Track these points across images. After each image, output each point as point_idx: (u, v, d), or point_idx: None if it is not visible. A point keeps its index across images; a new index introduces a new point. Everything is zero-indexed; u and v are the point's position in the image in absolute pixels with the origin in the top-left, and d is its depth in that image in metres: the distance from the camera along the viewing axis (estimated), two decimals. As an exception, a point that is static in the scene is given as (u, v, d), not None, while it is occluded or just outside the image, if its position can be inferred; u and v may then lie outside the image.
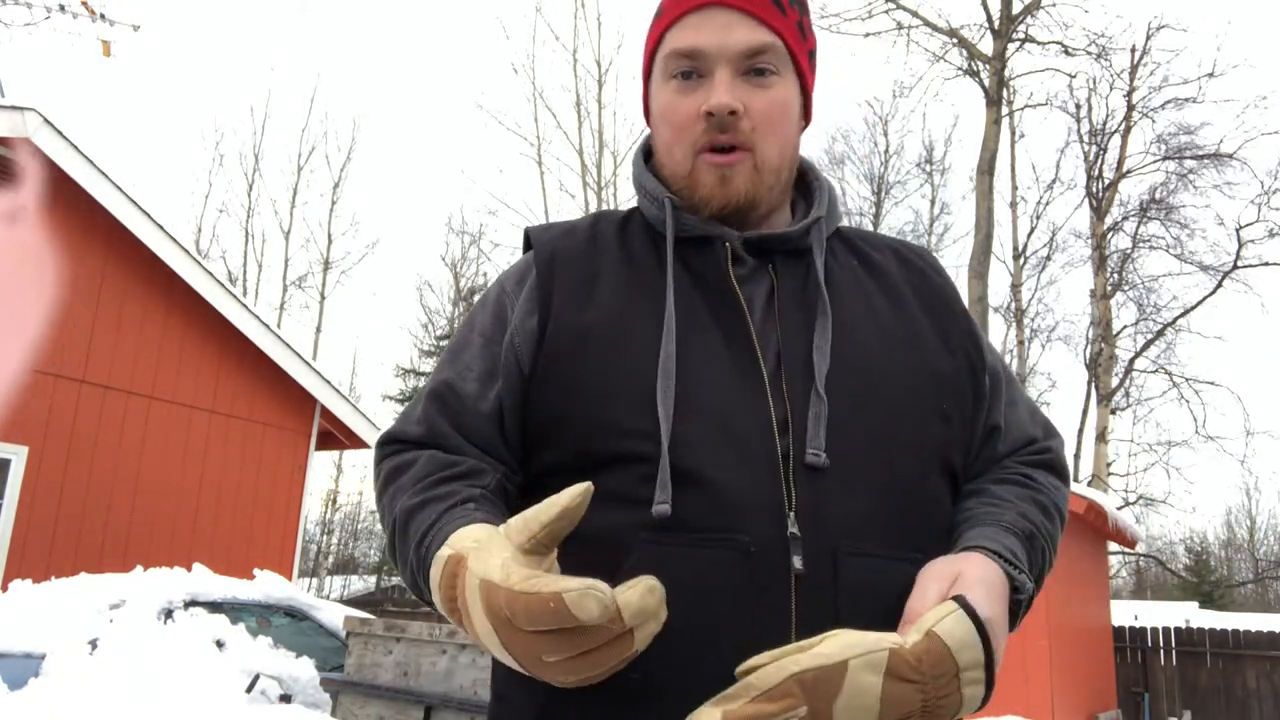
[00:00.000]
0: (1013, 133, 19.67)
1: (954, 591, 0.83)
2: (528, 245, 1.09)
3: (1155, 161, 18.77)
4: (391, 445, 1.02)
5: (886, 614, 0.85)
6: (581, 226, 1.08)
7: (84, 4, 8.51)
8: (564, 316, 0.97)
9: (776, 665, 0.75)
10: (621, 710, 0.85)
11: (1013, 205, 20.53)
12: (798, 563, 0.85)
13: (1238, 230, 17.75)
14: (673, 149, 1.02)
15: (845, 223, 1.15)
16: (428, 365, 27.56)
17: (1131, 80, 18.49)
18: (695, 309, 0.96)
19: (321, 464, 26.95)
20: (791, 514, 0.87)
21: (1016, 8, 15.60)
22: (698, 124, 0.99)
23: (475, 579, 0.75)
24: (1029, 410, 1.11)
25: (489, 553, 0.76)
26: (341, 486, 29.51)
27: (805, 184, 1.12)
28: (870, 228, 23.73)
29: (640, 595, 0.72)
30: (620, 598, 0.72)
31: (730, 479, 0.88)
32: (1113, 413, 18.77)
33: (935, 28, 15.76)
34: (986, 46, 15.71)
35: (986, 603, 0.82)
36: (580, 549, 0.87)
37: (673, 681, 0.83)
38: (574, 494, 0.75)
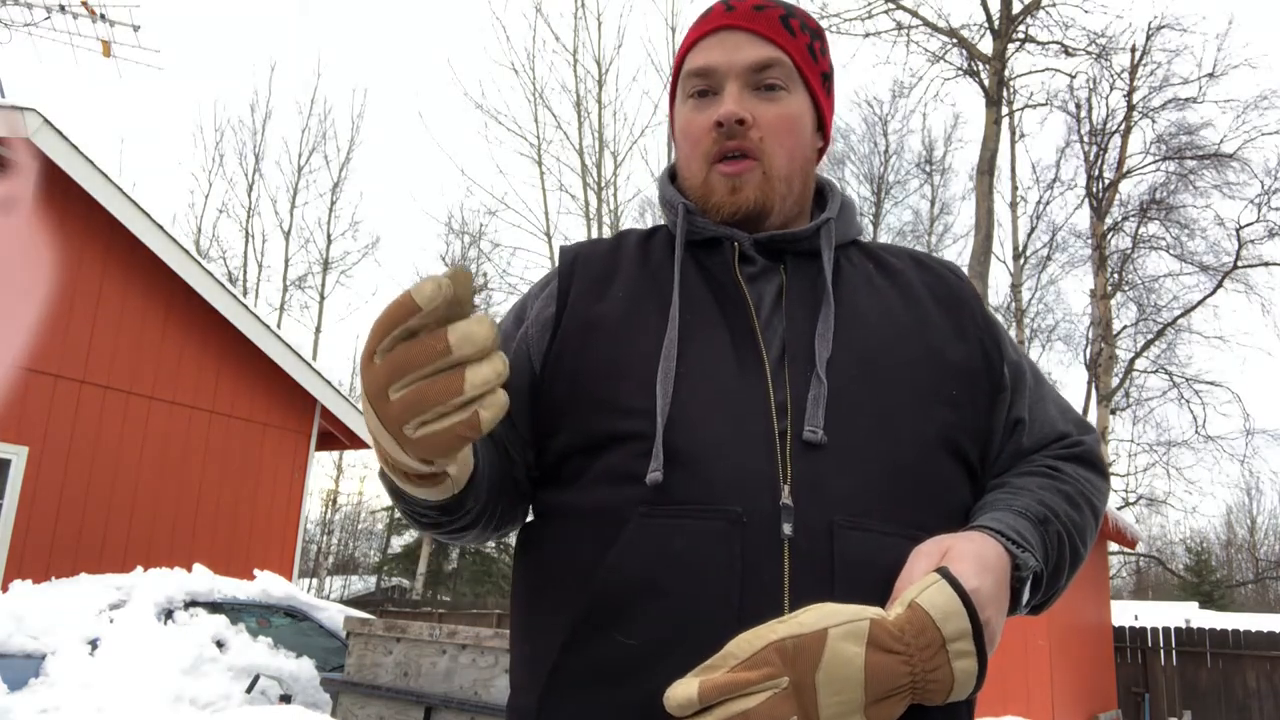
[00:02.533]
0: (1013, 133, 19.69)
1: (940, 565, 0.83)
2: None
3: (1155, 161, 18.78)
4: None
5: (885, 588, 0.86)
6: (607, 238, 1.15)
7: (84, 4, 8.51)
8: (578, 307, 1.03)
9: (754, 633, 0.76)
10: (619, 677, 0.87)
11: (1013, 205, 20.54)
12: (787, 529, 0.87)
13: (1238, 230, 17.77)
14: (690, 162, 1.09)
15: (862, 229, 1.19)
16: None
17: (1131, 80, 18.49)
18: (702, 304, 1.01)
19: (321, 464, 26.97)
20: (786, 487, 0.89)
21: (1016, 8, 15.60)
22: (710, 135, 1.05)
23: None
24: (1059, 407, 1.11)
25: None
26: (341, 486, 29.56)
27: (823, 200, 1.16)
28: (870, 228, 23.76)
29: (468, 321, 0.74)
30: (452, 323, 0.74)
31: (725, 455, 0.91)
32: (1113, 413, 18.77)
33: (935, 28, 15.76)
34: (986, 46, 15.71)
35: (975, 575, 0.82)
36: (580, 523, 0.94)
37: (667, 650, 0.85)
38: (449, 269, 0.77)
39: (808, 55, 1.09)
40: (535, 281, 1.15)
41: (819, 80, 1.11)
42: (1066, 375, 52.88)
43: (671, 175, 1.18)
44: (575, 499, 0.95)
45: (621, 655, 0.87)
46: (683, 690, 0.75)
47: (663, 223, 1.17)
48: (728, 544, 0.87)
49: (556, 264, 1.12)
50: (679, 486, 0.89)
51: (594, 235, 17.24)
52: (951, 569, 0.82)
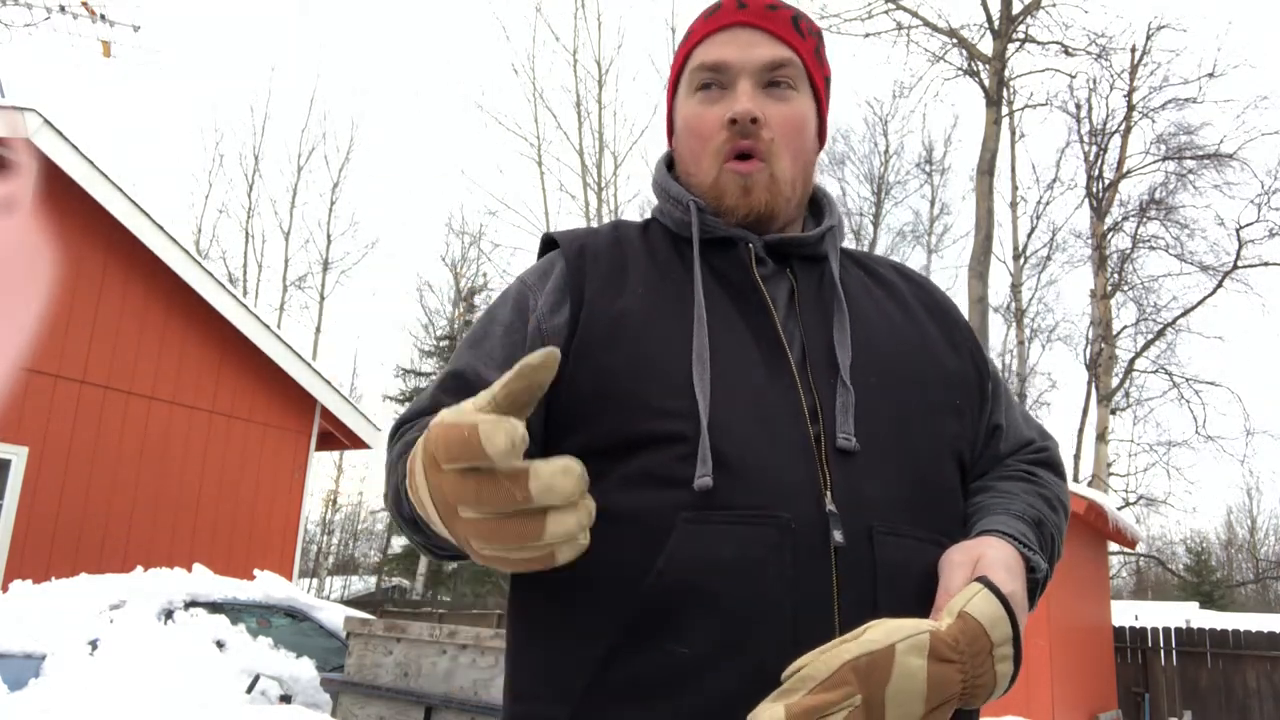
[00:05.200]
0: (1013, 133, 19.68)
1: (977, 574, 0.87)
2: (548, 247, 1.11)
3: (1155, 161, 18.78)
4: (404, 425, 1.01)
5: (920, 592, 0.89)
6: (603, 229, 1.12)
7: (84, 4, 8.51)
8: (598, 305, 0.99)
9: (831, 654, 0.77)
10: (670, 685, 0.85)
11: (1013, 205, 20.53)
12: (838, 536, 0.88)
13: (1238, 230, 17.76)
14: (699, 158, 1.07)
15: (847, 236, 1.21)
16: (428, 365, 27.56)
17: (1131, 80, 18.49)
18: (722, 305, 1.00)
19: (321, 464, 26.96)
20: (828, 493, 0.90)
21: (1016, 8, 15.60)
22: (721, 132, 1.04)
23: (425, 433, 0.74)
24: (1023, 415, 1.17)
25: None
26: (341, 486, 29.54)
27: (817, 207, 1.17)
28: (870, 228, 23.74)
29: (553, 470, 0.68)
30: (534, 463, 0.69)
31: (767, 460, 0.90)
32: (1113, 413, 18.76)
33: (935, 28, 15.75)
34: (986, 46, 15.70)
35: (1009, 581, 0.86)
36: (620, 530, 0.88)
37: (718, 659, 0.85)
38: (539, 354, 0.72)
39: (815, 58, 1.10)
40: (528, 270, 1.09)
41: (822, 83, 1.11)
42: (1066, 375, 52.83)
43: (668, 165, 1.15)
44: (602, 502, 0.89)
45: (671, 665, 0.85)
46: (768, 715, 0.74)
47: (651, 215, 1.14)
48: (779, 551, 0.86)
49: (554, 254, 1.08)
50: (725, 492, 0.88)
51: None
52: (990, 577, 0.85)
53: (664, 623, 0.86)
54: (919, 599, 0.88)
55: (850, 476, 0.91)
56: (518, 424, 0.68)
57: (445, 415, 0.72)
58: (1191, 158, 18.20)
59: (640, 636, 0.86)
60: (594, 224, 18.20)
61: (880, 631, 0.78)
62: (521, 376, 0.71)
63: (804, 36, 1.08)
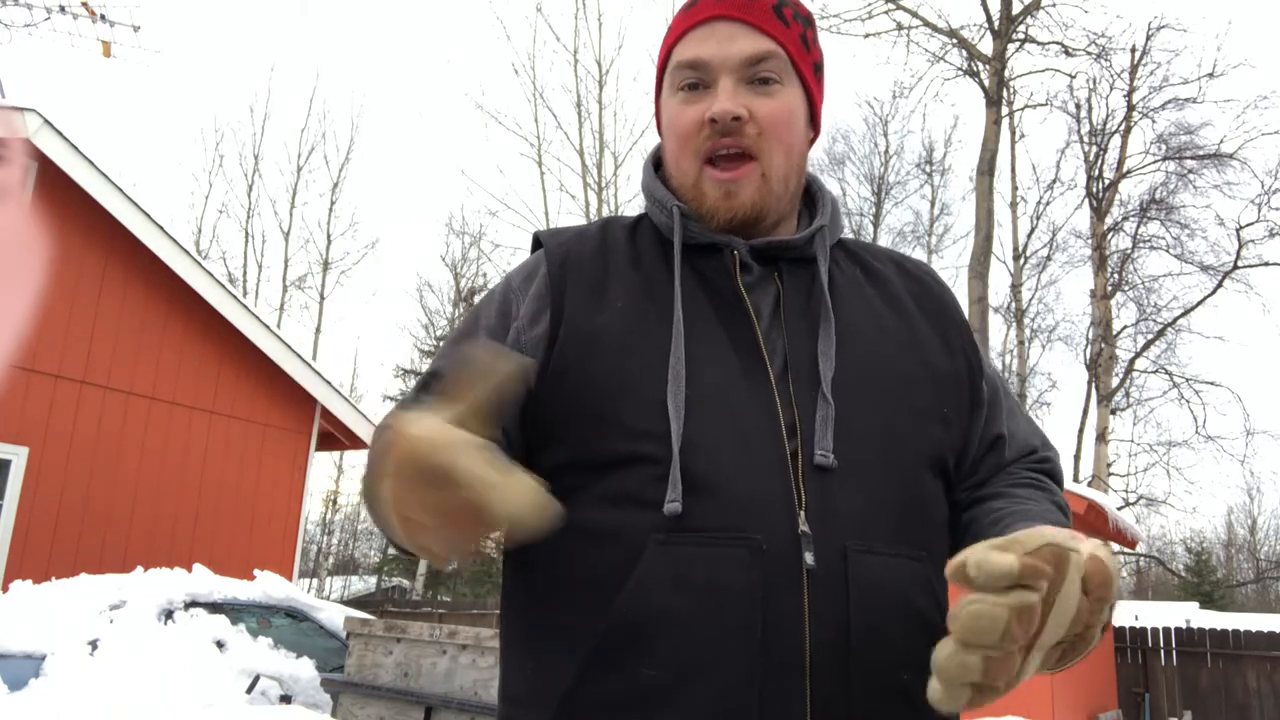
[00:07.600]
0: (1013, 133, 19.67)
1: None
2: (536, 247, 1.10)
3: (1155, 161, 18.77)
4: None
5: (898, 610, 0.88)
6: (591, 231, 1.09)
7: (84, 4, 8.52)
8: (576, 320, 0.98)
9: (1035, 531, 0.72)
10: (639, 704, 0.86)
11: (1013, 205, 20.53)
12: (809, 559, 0.87)
13: (1238, 230, 17.75)
14: (680, 159, 1.04)
15: (845, 227, 1.18)
16: (428, 365, 27.54)
17: (1131, 80, 18.48)
18: (703, 315, 0.98)
19: (321, 464, 26.94)
20: (802, 513, 0.89)
21: (1016, 8, 15.59)
22: (701, 131, 1.01)
23: (400, 432, 0.75)
24: (1026, 421, 1.15)
25: (422, 416, 0.76)
26: (341, 487, 29.49)
27: (810, 196, 1.14)
28: (870, 229, 23.73)
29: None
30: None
31: (740, 479, 0.89)
32: (1113, 413, 18.76)
33: (935, 28, 15.75)
34: (986, 47, 15.70)
35: None
36: (592, 549, 0.90)
37: (687, 679, 0.84)
38: (508, 364, 0.74)
39: (801, 46, 1.05)
40: (515, 270, 1.08)
41: (811, 71, 1.07)
42: (1066, 375, 52.81)
43: (655, 163, 1.12)
44: (579, 517, 0.90)
45: (641, 683, 0.85)
46: (1003, 560, 0.69)
47: (644, 212, 1.12)
48: (749, 572, 0.86)
49: (540, 256, 1.06)
50: (696, 514, 0.88)
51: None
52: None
53: (634, 643, 0.86)
54: (895, 616, 0.88)
55: (826, 494, 0.90)
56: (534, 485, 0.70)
57: (414, 423, 0.73)
58: (1191, 158, 18.20)
59: (611, 655, 0.87)
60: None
61: (1064, 534, 0.72)
62: (489, 388, 0.74)
63: (788, 24, 1.04)
